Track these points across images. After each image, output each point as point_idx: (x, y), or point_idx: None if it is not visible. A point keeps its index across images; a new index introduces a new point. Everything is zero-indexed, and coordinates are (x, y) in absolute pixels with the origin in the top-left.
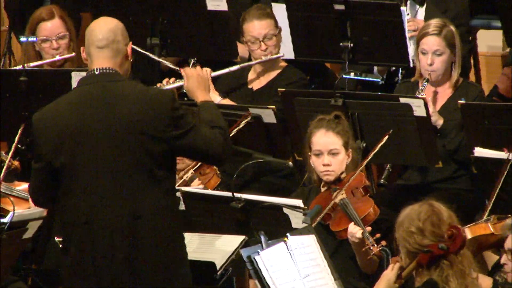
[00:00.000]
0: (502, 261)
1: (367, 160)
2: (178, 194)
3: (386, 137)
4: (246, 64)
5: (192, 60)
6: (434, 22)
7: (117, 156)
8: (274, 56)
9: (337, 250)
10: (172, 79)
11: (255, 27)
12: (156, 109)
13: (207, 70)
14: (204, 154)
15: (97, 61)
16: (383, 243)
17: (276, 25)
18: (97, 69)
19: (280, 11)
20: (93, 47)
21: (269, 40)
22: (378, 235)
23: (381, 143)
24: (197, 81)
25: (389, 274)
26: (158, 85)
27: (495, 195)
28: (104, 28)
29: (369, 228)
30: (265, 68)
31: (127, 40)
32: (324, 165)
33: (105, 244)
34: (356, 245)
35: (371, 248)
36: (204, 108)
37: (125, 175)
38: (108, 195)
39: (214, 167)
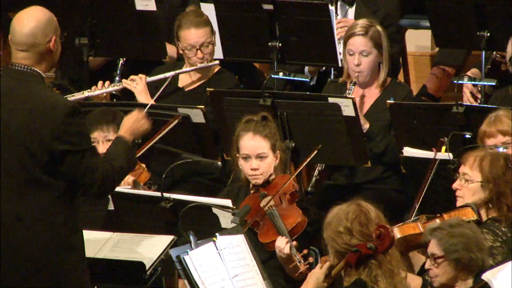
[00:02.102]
0: (426, 266)
1: (296, 172)
2: None
3: (315, 152)
4: (181, 71)
5: (120, 61)
6: (361, 23)
7: (6, 157)
8: (210, 64)
9: (271, 257)
10: (107, 83)
11: (192, 35)
12: (48, 119)
13: (142, 76)
14: (79, 180)
15: (16, 56)
16: (310, 259)
17: (212, 32)
18: (14, 64)
19: (208, 11)
20: (13, 44)
21: (206, 48)
22: (305, 251)
23: (310, 158)
24: (133, 121)
25: (318, 272)
26: (93, 87)
27: (422, 195)
28: (25, 30)
29: (295, 243)
30: (199, 71)
31: (51, 35)
32: (252, 169)
33: None
34: (284, 260)
35: (298, 265)
36: (116, 142)
37: (11, 177)
38: None
39: (143, 164)
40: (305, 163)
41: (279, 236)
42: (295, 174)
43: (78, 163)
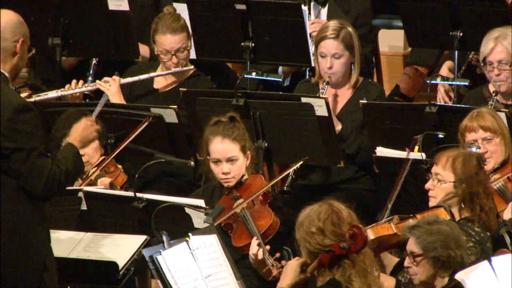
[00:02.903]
0: (405, 264)
1: (272, 182)
2: (80, 194)
3: (297, 165)
4: (155, 74)
5: (93, 61)
6: (332, 25)
7: None
8: (185, 68)
9: (244, 257)
10: (80, 82)
11: (167, 40)
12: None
13: (116, 78)
14: (23, 180)
15: None
16: (283, 262)
17: (188, 37)
18: None
19: (181, 11)
20: None
21: (181, 54)
22: (278, 255)
23: (290, 170)
24: (82, 129)
25: (295, 264)
26: (66, 86)
27: (395, 195)
28: None
29: (268, 247)
30: (174, 75)
31: (18, 36)
32: (223, 173)
33: None
34: (257, 263)
35: (271, 268)
36: (65, 148)
37: None
38: None
39: (119, 166)
40: (284, 174)
41: (252, 239)
42: (272, 183)
43: (23, 161)
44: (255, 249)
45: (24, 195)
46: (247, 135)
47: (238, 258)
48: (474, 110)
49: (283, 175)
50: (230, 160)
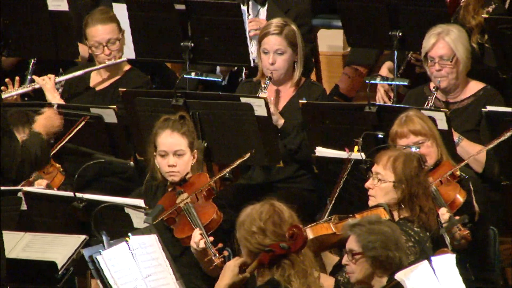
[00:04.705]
0: (343, 261)
1: (217, 176)
2: (20, 194)
3: (246, 156)
4: (90, 69)
5: (32, 60)
6: (275, 22)
7: None
8: (118, 61)
9: (183, 253)
10: (16, 84)
11: (98, 32)
12: None
13: (51, 76)
14: None
15: None
16: (225, 253)
17: (120, 29)
18: None
19: (121, 11)
20: None
21: (113, 45)
22: (220, 245)
23: (241, 160)
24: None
25: (233, 264)
26: (2, 88)
27: (335, 195)
28: None
29: (211, 238)
30: (109, 70)
31: None
32: (169, 165)
33: None
34: (198, 254)
35: (213, 258)
36: (31, 135)
37: None
38: None
39: (57, 165)
40: (235, 165)
41: (195, 229)
42: (219, 175)
43: None
44: (198, 238)
45: None
46: (195, 135)
47: (177, 255)
48: (402, 115)
49: (227, 170)
50: (177, 154)
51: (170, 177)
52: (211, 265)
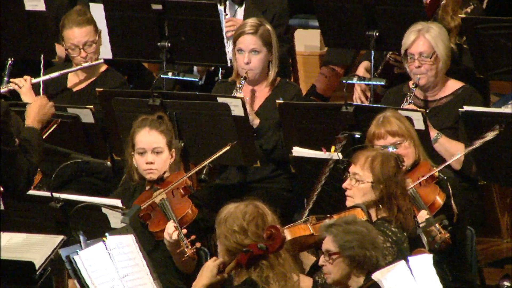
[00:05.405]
0: (320, 262)
1: (192, 171)
2: None
3: (225, 149)
4: (66, 70)
5: (9, 61)
6: (250, 22)
7: None
8: (95, 63)
9: (156, 248)
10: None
11: (74, 34)
12: None
13: (27, 77)
14: (7, 183)
15: None
16: (198, 244)
17: (96, 30)
18: None
19: (98, 11)
20: None
21: (89, 47)
22: (193, 237)
23: (216, 155)
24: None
25: (211, 265)
26: None
27: (315, 195)
28: None
29: (184, 231)
30: (86, 71)
31: None
32: (147, 163)
33: None
34: (171, 245)
35: (185, 249)
36: (30, 135)
37: None
38: None
39: None
40: (215, 157)
41: (169, 222)
42: (196, 169)
43: (8, 163)
44: (171, 230)
45: None
46: (173, 134)
47: (149, 250)
48: (379, 116)
49: (203, 164)
50: (156, 151)
51: (148, 174)
52: (183, 256)
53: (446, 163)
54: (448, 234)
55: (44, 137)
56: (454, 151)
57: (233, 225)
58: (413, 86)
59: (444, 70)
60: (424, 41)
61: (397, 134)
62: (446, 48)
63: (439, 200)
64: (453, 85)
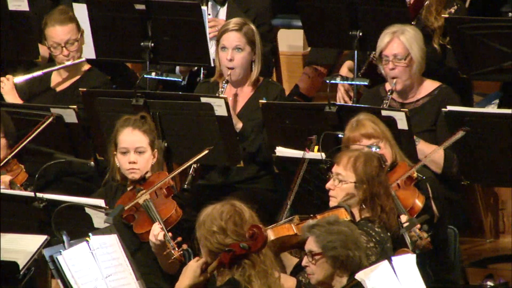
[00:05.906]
0: (303, 263)
1: (176, 172)
2: None
3: (204, 152)
4: (49, 69)
5: None
6: (235, 20)
7: None
8: (77, 61)
9: (140, 248)
10: None
11: (57, 32)
12: None
13: (9, 76)
14: None
15: None
16: (184, 246)
17: (79, 29)
18: None
19: (81, 11)
20: None
21: (71, 46)
22: (179, 239)
23: (197, 158)
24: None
25: (194, 265)
26: None
27: (293, 195)
28: None
29: (170, 234)
30: (68, 70)
31: None
32: (130, 162)
33: None
34: (157, 247)
35: (172, 251)
36: None
37: None
38: None
39: (21, 165)
40: (193, 161)
41: (154, 224)
42: (178, 170)
43: None
44: (157, 231)
45: None
46: (156, 134)
47: (133, 250)
48: (353, 120)
49: (187, 165)
50: (138, 151)
51: (130, 174)
52: (170, 258)
53: (423, 161)
54: (429, 239)
55: (34, 133)
56: (434, 158)
57: (212, 226)
58: (389, 93)
59: (419, 72)
60: (399, 43)
61: (372, 136)
62: (420, 50)
63: (419, 203)
64: (429, 86)
